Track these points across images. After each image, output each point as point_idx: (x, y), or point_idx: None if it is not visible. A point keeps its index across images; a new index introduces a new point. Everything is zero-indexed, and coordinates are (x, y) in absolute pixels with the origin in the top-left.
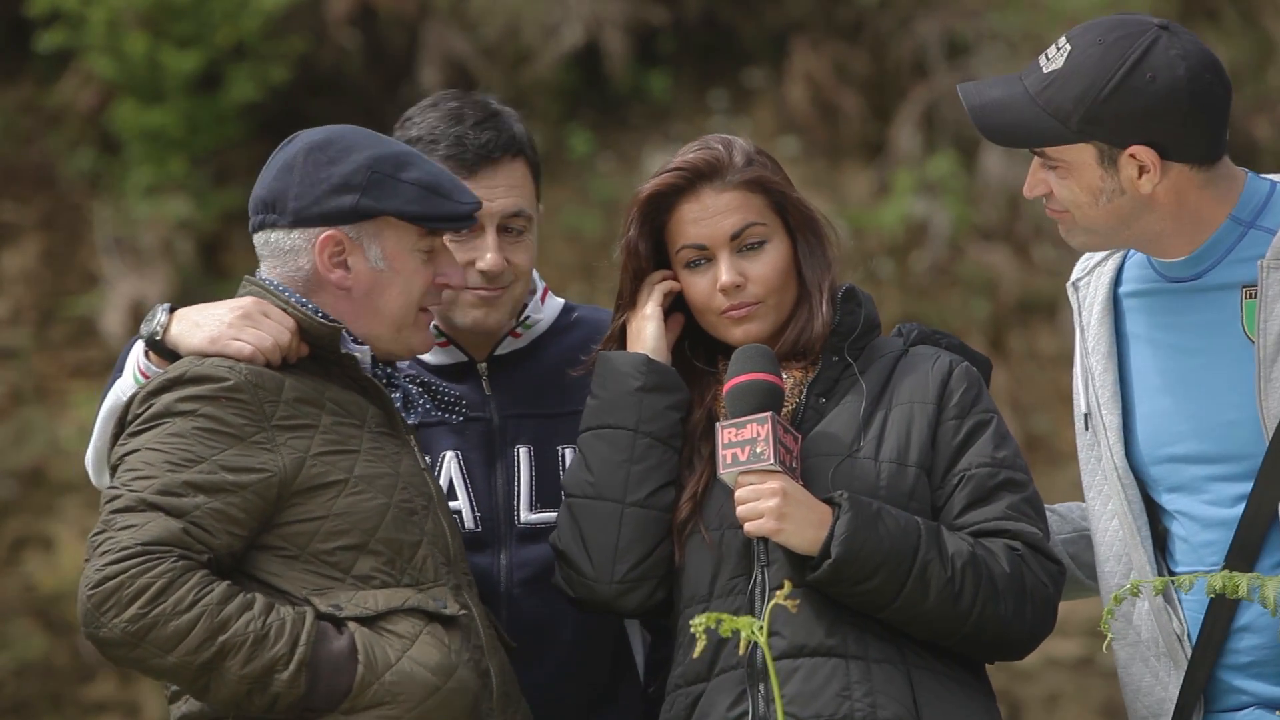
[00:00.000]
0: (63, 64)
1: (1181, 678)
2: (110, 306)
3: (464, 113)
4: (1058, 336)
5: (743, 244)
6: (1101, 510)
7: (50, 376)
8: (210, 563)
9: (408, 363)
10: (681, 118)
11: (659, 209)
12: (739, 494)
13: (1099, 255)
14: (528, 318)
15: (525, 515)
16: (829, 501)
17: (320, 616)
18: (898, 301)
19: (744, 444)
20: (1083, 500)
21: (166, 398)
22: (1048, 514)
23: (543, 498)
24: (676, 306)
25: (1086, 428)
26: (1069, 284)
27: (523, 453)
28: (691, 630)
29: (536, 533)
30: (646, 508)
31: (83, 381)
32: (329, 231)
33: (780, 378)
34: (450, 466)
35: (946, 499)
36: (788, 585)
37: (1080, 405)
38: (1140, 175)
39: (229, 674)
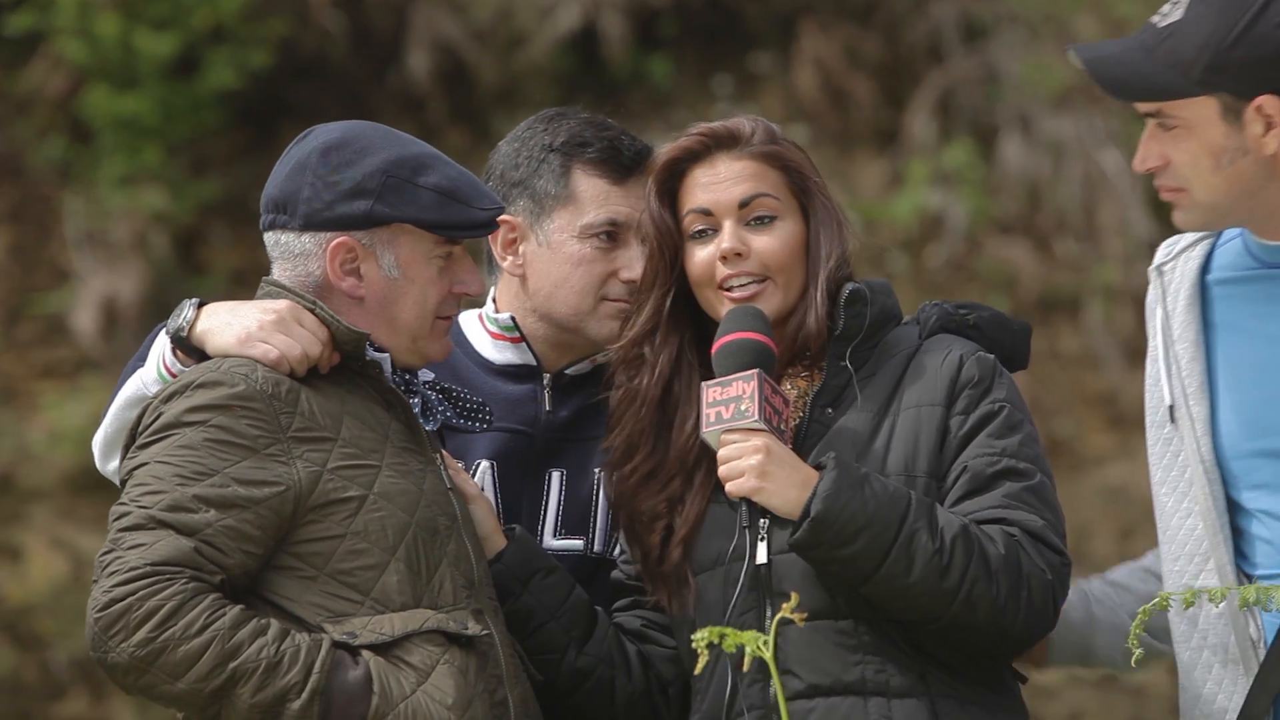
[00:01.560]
0: (31, 47)
1: (1249, 685)
2: (81, 303)
3: (606, 123)
4: (1080, 336)
5: (750, 215)
6: (1175, 508)
7: (18, 377)
8: (223, 584)
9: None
10: (684, 104)
11: (674, 176)
12: (721, 453)
13: (1186, 239)
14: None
15: (549, 540)
16: (818, 467)
17: (333, 644)
18: (912, 298)
19: (728, 402)
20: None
21: (175, 407)
22: (1105, 588)
23: (568, 524)
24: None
25: (1172, 419)
26: (1152, 269)
27: (555, 476)
28: (693, 645)
29: (558, 559)
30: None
31: (52, 382)
32: (341, 238)
33: (771, 338)
34: (484, 478)
35: (946, 494)
36: (795, 598)
37: (1165, 397)
38: (1266, 132)
39: (240, 702)
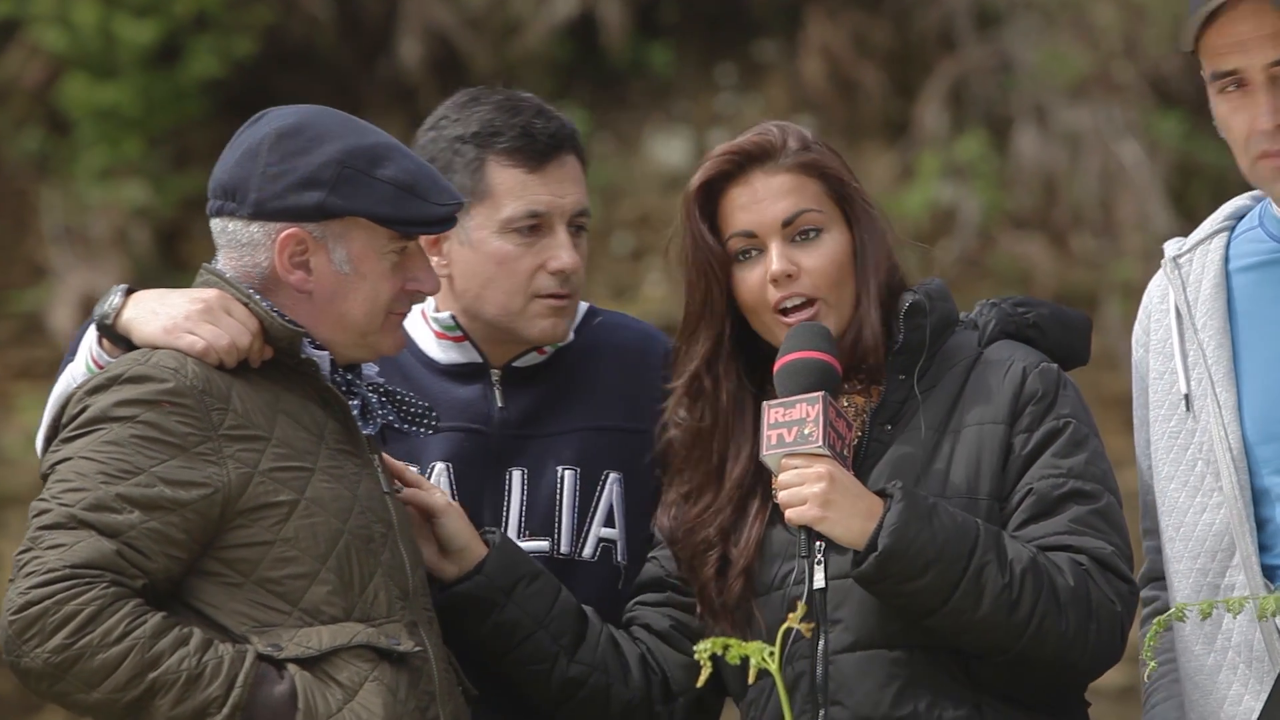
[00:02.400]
0: (7, 36)
1: (1274, 683)
2: (59, 301)
3: (519, 104)
4: (1098, 335)
5: (795, 232)
6: (1189, 503)
7: None
8: (145, 589)
9: (382, 362)
10: (685, 95)
11: (710, 199)
12: (782, 478)
13: (1198, 235)
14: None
15: None
16: (881, 494)
17: (258, 657)
18: None
19: (791, 425)
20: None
21: (102, 400)
22: None
23: (532, 525)
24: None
25: (1189, 409)
26: (1168, 260)
27: (515, 476)
28: (695, 656)
29: None
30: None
31: (29, 383)
32: (291, 229)
33: (836, 357)
34: (440, 481)
35: (1010, 516)
36: (801, 608)
37: (1181, 386)
38: None
39: (158, 714)
